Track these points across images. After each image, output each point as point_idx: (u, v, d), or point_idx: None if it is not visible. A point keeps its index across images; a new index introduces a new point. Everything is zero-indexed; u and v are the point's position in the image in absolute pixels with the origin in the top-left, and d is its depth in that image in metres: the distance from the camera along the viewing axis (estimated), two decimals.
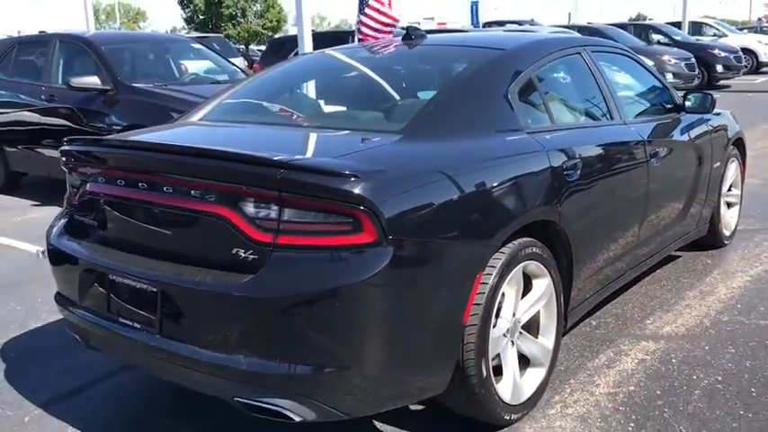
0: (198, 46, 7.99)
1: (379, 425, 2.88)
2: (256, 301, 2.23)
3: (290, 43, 12.12)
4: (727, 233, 5.21)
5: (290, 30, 61.90)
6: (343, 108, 3.32)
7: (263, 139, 2.98)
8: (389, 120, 2.99)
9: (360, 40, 6.70)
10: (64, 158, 2.97)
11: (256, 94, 3.56)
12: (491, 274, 2.58)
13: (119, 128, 6.36)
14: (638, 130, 3.76)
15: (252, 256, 2.29)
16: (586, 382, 3.21)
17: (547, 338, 3.02)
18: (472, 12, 52.18)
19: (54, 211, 6.96)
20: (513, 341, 2.83)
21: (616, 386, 3.17)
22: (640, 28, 20.15)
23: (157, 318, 2.46)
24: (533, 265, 2.84)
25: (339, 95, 3.46)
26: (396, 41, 3.78)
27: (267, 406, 2.31)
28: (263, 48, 43.97)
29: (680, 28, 21.21)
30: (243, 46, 36.92)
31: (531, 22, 26.42)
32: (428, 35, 3.68)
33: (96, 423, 2.98)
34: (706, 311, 4.00)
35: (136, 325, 2.53)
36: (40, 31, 8.22)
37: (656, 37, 18.84)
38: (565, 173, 3.00)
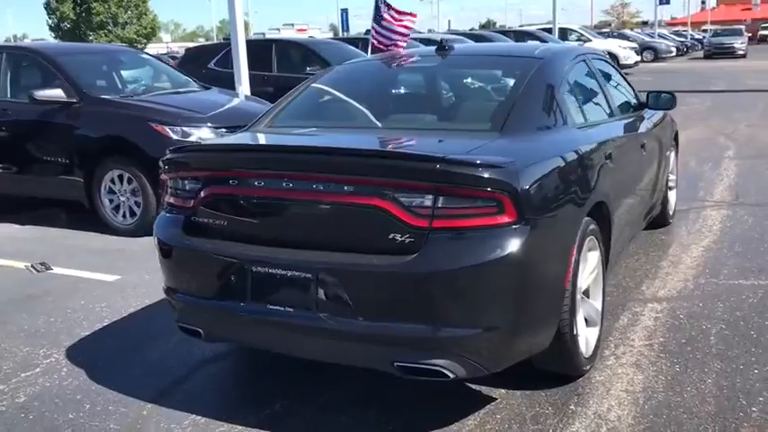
0: (147, 56, 8.00)
1: (474, 387, 3.31)
2: (421, 275, 2.61)
3: (206, 53, 12.11)
4: (671, 212, 6.04)
5: (164, 37, 60.23)
6: (428, 113, 3.71)
7: (380, 140, 3.33)
8: (479, 121, 3.44)
9: (374, 48, 7.09)
10: (170, 166, 3.20)
11: (333, 104, 3.89)
12: (575, 246, 3.09)
13: (90, 140, 6.37)
14: (630, 124, 4.41)
15: (408, 240, 2.66)
16: (623, 338, 3.80)
17: (597, 301, 3.56)
18: (342, 19, 52.91)
19: (8, 228, 6.85)
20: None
21: (648, 339, 3.77)
22: (519, 34, 21.60)
23: (315, 300, 2.77)
24: (592, 241, 3.38)
25: (418, 102, 3.87)
26: (427, 51, 4.21)
27: (426, 367, 2.69)
28: None
29: (551, 33, 22.88)
30: None
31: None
32: (455, 46, 4.15)
33: (212, 408, 3.20)
34: (684, 276, 4.73)
35: (288, 309, 2.82)
36: None
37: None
38: (606, 161, 3.57)
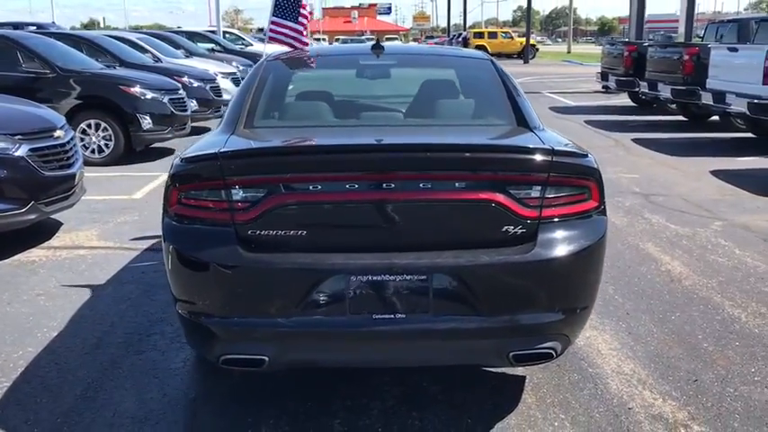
0: None
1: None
2: (547, 264, 2.73)
3: None
4: None
5: None
6: (429, 110, 3.66)
7: (460, 136, 3.33)
8: (492, 116, 3.56)
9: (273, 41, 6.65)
10: (198, 175, 2.81)
11: (321, 102, 3.64)
12: None
13: None
14: None
15: (521, 231, 2.75)
16: None
17: None
18: None
19: None
20: None
21: None
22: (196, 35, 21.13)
23: (430, 302, 2.67)
24: None
25: (411, 99, 3.80)
26: (365, 49, 4.17)
27: (539, 351, 2.82)
28: None
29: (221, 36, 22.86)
30: None
31: (54, 25, 25.01)
32: (385, 45, 4.16)
33: None
34: None
35: (400, 316, 2.67)
36: None
37: (207, 45, 20.06)
38: None
